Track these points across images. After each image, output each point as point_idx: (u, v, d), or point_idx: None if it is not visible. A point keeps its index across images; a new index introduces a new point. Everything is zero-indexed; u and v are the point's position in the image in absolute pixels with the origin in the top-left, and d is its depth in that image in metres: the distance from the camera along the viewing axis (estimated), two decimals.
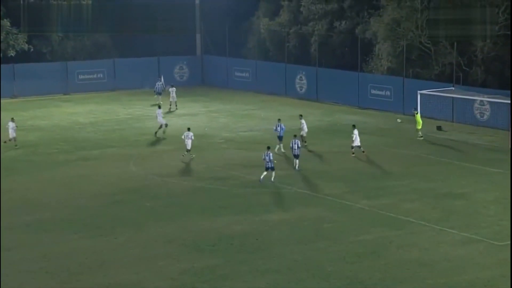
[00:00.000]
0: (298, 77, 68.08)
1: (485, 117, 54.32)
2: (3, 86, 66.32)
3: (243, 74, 73.04)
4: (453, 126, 54.39)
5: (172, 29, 71.65)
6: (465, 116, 55.21)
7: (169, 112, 60.73)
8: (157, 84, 66.29)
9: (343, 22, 67.34)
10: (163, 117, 53.02)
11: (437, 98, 54.71)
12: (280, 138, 46.53)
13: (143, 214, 35.00)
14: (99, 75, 72.34)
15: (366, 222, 33.57)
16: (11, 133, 48.44)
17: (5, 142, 48.47)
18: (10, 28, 68.62)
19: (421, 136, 50.29)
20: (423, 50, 59.51)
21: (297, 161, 42.57)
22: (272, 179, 39.78)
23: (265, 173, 39.94)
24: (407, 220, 33.71)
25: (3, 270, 28.00)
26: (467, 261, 28.90)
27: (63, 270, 28.22)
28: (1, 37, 68.17)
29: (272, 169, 39.89)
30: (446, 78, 58.24)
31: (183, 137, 45.31)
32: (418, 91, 53.89)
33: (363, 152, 45.40)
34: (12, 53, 68.93)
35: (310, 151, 47.08)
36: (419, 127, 50.59)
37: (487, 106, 54.05)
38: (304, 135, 48.11)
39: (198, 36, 78.36)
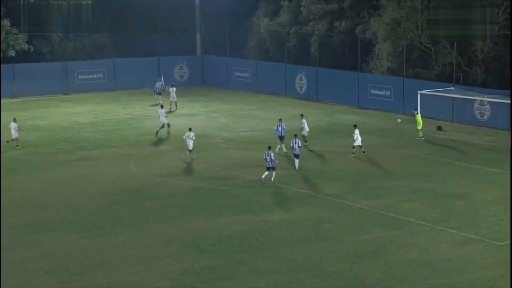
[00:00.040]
0: (298, 77, 68.08)
1: (485, 117, 54.33)
2: (3, 86, 66.33)
3: (243, 74, 73.04)
4: (453, 126, 54.40)
5: (172, 29, 71.62)
6: (465, 116, 55.22)
7: (169, 112, 60.72)
8: (157, 84, 66.30)
9: (343, 22, 67.35)
10: (165, 117, 53.10)
11: (437, 98, 54.72)
12: (281, 138, 46.53)
13: (143, 214, 35.00)
14: (99, 75, 72.34)
15: (366, 222, 33.57)
16: (13, 134, 48.49)
17: (7, 141, 48.58)
18: (10, 28, 68.62)
19: (422, 136, 50.29)
20: (423, 50, 59.52)
21: (297, 161, 42.59)
22: (272, 179, 39.78)
23: (266, 173, 39.95)
24: (407, 220, 33.72)
25: (3, 270, 28.00)
26: (467, 261, 28.90)
27: (63, 270, 28.21)
28: (1, 37, 68.18)
29: (273, 169, 39.90)
30: (446, 78, 58.25)
31: (184, 137, 45.31)
32: (418, 91, 53.92)
33: (364, 152, 45.41)
34: (12, 53, 68.94)
35: (311, 151, 47.09)
36: (420, 127, 50.59)
37: (487, 106, 54.05)
38: (306, 134, 48.14)
39: (198, 36, 78.36)
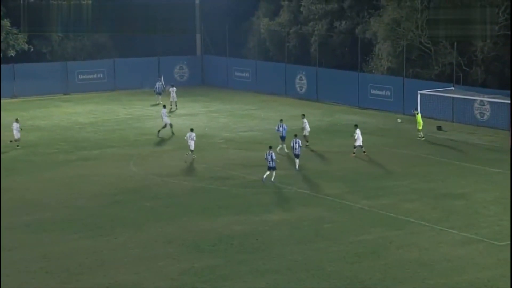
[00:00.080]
0: (298, 77, 68.08)
1: (485, 117, 54.33)
2: (3, 86, 66.34)
3: (243, 74, 73.04)
4: (453, 126, 54.41)
5: (172, 29, 71.63)
6: (465, 116, 55.22)
7: (169, 112, 60.62)
8: (157, 84, 66.32)
9: (343, 22, 67.35)
10: (168, 117, 53.15)
11: (437, 98, 54.72)
12: (282, 138, 46.52)
13: (143, 214, 35.00)
14: (99, 75, 72.35)
15: (366, 222, 33.57)
16: (16, 134, 48.53)
17: (10, 141, 48.69)
18: (10, 28, 68.62)
19: (422, 137, 50.27)
20: (423, 50, 59.52)
21: (298, 161, 42.60)
22: (273, 179, 39.78)
23: (267, 173, 39.94)
24: (407, 220, 33.72)
25: (3, 270, 28.00)
26: (467, 261, 28.90)
27: (63, 270, 28.21)
28: (1, 37, 68.18)
29: (274, 168, 39.90)
30: (446, 78, 58.26)
31: (186, 137, 45.30)
32: (418, 91, 53.91)
33: (364, 152, 45.41)
34: (12, 53, 68.94)
35: (312, 150, 47.10)
36: (420, 127, 50.57)
37: (487, 106, 54.05)
38: (307, 134, 48.14)
39: (198, 36, 78.37)
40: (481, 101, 54.07)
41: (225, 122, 57.35)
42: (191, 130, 45.63)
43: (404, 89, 59.13)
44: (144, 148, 48.67)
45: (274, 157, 39.92)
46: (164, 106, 54.72)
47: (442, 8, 57.07)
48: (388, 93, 60.78)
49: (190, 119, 57.88)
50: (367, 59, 64.02)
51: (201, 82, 76.23)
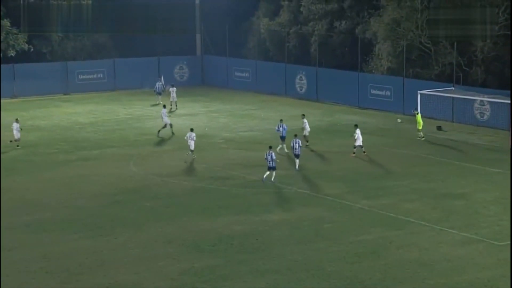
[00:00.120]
0: (298, 77, 68.08)
1: (485, 117, 54.33)
2: (3, 86, 66.34)
3: (243, 74, 73.05)
4: (453, 126, 54.41)
5: (172, 29, 71.63)
6: (465, 116, 55.22)
7: (170, 112, 60.63)
8: (157, 84, 66.33)
9: (343, 22, 67.36)
10: (168, 117, 53.14)
11: (437, 98, 54.72)
12: (282, 138, 46.51)
13: (143, 214, 35.00)
14: (99, 75, 72.35)
15: (366, 222, 33.57)
16: (16, 134, 48.54)
17: (10, 141, 48.73)
18: (10, 28, 68.63)
19: (423, 137, 50.27)
20: (423, 50, 59.52)
21: (298, 160, 42.60)
22: (273, 179, 39.78)
23: (267, 173, 39.94)
24: (407, 220, 33.72)
25: (3, 270, 28.00)
26: (467, 261, 28.90)
27: (63, 270, 28.21)
28: (1, 37, 68.19)
29: (274, 168, 39.90)
30: (446, 78, 58.26)
31: (186, 137, 45.30)
32: (418, 91, 53.91)
33: (364, 152, 45.42)
34: (12, 53, 68.94)
35: (312, 150, 47.10)
36: (420, 127, 50.57)
37: (487, 106, 54.05)
38: (307, 134, 48.14)
39: (198, 36, 78.37)
40: (481, 101, 54.07)
41: (225, 122, 57.35)
42: (191, 130, 45.64)
43: (404, 89, 59.13)
44: (144, 148, 48.67)
45: (274, 157, 39.92)
46: (164, 106, 54.69)
47: (442, 8, 57.08)
48: (388, 93, 60.78)
49: (190, 119, 57.88)
50: (367, 59, 64.03)
51: (201, 82, 76.23)
